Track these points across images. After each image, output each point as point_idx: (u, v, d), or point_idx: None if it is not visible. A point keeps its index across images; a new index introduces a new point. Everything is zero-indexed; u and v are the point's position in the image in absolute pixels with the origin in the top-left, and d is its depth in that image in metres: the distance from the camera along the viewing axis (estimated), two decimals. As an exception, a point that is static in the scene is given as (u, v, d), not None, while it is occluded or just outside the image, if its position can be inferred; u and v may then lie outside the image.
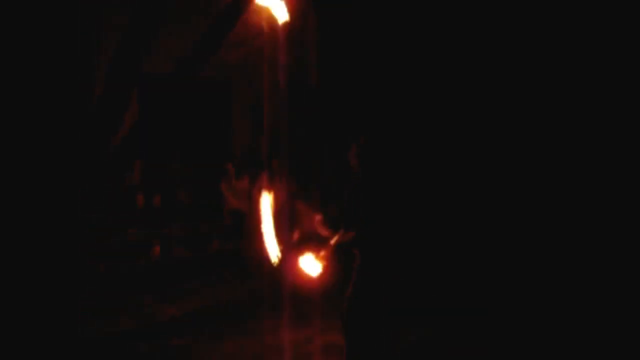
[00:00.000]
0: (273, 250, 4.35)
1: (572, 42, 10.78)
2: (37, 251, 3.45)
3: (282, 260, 4.34)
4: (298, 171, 9.55)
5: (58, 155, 3.44)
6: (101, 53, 3.68)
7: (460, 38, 11.38)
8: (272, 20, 4.13)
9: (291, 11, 4.05)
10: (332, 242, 4.42)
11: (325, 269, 4.42)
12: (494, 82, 11.28)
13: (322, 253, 4.40)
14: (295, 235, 4.48)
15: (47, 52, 3.42)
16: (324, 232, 4.52)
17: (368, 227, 4.37)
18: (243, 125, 10.39)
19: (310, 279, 4.47)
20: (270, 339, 5.89)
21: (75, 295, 3.63)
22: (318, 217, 4.56)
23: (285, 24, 4.10)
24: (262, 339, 5.90)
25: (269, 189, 4.58)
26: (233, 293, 7.44)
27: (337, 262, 4.52)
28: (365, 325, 4.41)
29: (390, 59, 11.84)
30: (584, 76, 10.65)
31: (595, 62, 10.59)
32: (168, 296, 7.30)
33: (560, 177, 10.39)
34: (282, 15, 4.07)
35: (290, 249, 4.38)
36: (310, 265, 4.42)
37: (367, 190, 4.42)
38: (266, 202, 4.36)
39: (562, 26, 10.81)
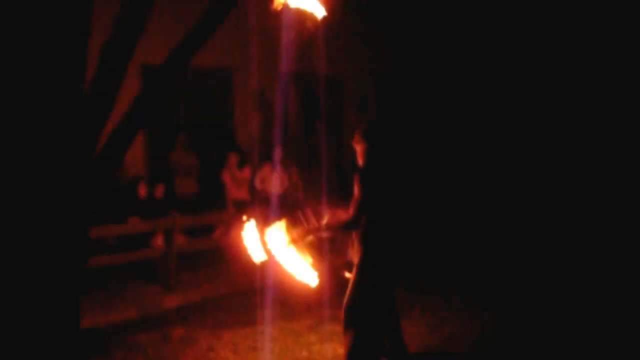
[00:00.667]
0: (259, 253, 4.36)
1: (573, 43, 10.80)
2: (37, 249, 3.43)
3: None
4: (301, 160, 9.54)
5: (57, 153, 3.41)
6: (92, 42, 3.64)
7: (465, 39, 11.48)
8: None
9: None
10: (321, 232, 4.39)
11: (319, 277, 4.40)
12: (499, 82, 11.33)
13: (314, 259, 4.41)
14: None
15: (39, 47, 3.38)
16: (312, 222, 4.47)
17: (371, 221, 4.34)
18: (245, 115, 10.36)
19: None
20: (273, 328, 5.90)
21: (75, 295, 3.62)
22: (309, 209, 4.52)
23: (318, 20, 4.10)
24: (265, 327, 5.91)
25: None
26: (235, 283, 7.44)
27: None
28: (367, 320, 4.40)
29: (398, 55, 11.89)
30: (585, 77, 10.67)
31: (596, 63, 10.60)
32: (170, 286, 7.32)
33: (564, 176, 10.43)
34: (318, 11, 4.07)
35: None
36: (307, 274, 4.39)
37: (371, 183, 4.39)
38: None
39: (562, 27, 10.83)
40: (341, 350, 4.86)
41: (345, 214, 4.43)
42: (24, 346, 3.40)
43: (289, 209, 7.46)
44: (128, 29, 3.60)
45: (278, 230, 4.29)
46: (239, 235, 4.40)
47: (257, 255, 4.37)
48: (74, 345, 3.63)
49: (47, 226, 3.42)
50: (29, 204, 3.38)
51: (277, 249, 4.27)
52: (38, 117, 3.37)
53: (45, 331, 3.44)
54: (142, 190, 8.37)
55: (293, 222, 4.37)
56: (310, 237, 4.38)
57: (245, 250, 4.38)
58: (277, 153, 9.04)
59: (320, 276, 4.41)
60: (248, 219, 4.38)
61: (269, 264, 4.47)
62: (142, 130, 9.31)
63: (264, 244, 4.30)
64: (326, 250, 5.86)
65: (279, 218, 4.40)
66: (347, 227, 4.43)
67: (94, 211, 3.73)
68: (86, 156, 3.52)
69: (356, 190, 4.35)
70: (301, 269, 4.31)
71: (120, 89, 3.63)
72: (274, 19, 5.13)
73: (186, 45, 3.75)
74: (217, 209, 9.03)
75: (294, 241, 4.28)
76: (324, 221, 4.43)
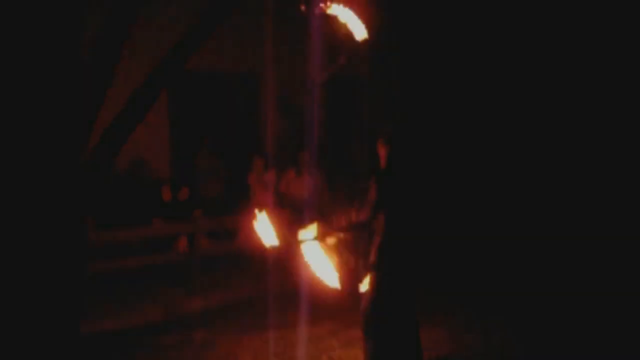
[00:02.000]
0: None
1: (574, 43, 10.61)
2: (38, 249, 3.41)
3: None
4: (326, 163, 9.50)
5: (49, 149, 3.39)
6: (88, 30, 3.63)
7: (479, 42, 11.37)
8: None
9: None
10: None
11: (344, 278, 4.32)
12: (510, 83, 11.18)
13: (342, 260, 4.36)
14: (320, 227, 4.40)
15: (37, 42, 3.38)
16: (341, 222, 4.45)
17: (393, 222, 4.30)
18: (271, 119, 10.37)
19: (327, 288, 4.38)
20: (293, 332, 5.87)
21: (75, 297, 3.60)
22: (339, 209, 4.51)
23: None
24: (286, 332, 5.88)
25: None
26: (258, 287, 7.42)
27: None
28: (385, 323, 4.35)
29: (419, 57, 11.79)
30: (587, 78, 10.48)
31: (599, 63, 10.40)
32: (194, 289, 7.32)
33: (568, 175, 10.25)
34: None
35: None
36: (329, 275, 4.32)
37: (394, 185, 4.36)
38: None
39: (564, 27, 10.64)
40: (362, 356, 4.81)
41: (358, 215, 4.40)
42: (21, 348, 3.39)
43: (314, 213, 7.41)
44: (120, 14, 3.60)
45: (309, 229, 4.24)
46: (252, 225, 4.38)
47: (268, 239, 4.34)
48: (73, 348, 3.61)
49: (42, 226, 3.39)
50: (22, 203, 3.36)
51: (305, 245, 4.18)
52: (29, 115, 3.35)
53: (44, 333, 3.42)
54: (166, 193, 8.40)
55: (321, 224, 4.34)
56: (333, 238, 4.33)
57: (256, 235, 4.36)
58: (304, 157, 9.01)
59: (343, 279, 4.36)
60: (260, 211, 4.36)
61: (292, 266, 4.45)
62: (169, 132, 9.42)
63: (282, 234, 4.29)
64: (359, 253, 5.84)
65: (307, 221, 4.38)
66: (357, 228, 4.40)
67: (93, 211, 3.72)
68: (79, 152, 3.50)
69: (372, 192, 4.31)
70: (324, 268, 4.22)
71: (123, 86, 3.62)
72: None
73: (184, 44, 3.74)
74: (241, 212, 9.02)
75: (320, 239, 4.21)
76: (338, 222, 4.42)
